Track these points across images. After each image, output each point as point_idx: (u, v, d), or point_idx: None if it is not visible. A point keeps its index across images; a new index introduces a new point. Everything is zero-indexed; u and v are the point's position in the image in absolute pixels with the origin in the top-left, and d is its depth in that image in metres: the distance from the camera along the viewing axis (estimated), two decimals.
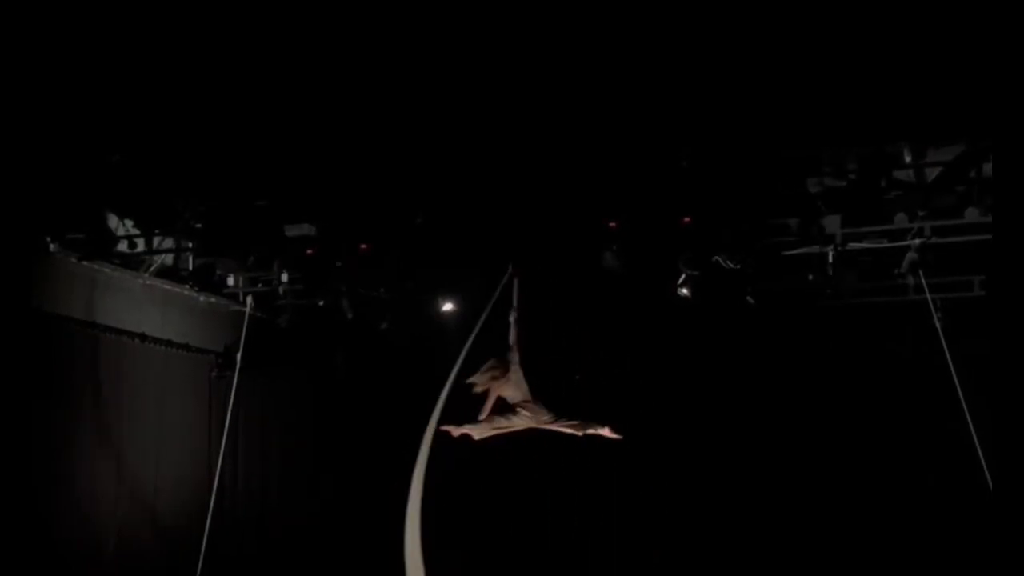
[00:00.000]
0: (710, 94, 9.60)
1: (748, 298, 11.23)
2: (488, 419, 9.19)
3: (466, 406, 9.30)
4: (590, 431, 9.38)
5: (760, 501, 12.09)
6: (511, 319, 9.52)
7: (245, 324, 12.12)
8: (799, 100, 9.63)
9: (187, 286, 12.26)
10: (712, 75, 9.39)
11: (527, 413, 9.33)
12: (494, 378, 9.22)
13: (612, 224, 10.72)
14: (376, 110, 9.87)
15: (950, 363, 10.47)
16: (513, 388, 9.33)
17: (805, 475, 11.92)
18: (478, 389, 9.25)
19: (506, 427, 9.28)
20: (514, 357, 9.37)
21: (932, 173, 10.57)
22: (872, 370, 11.86)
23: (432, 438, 9.53)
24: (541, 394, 9.36)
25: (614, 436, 9.33)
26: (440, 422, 9.39)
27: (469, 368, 9.28)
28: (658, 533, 12.47)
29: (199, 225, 11.67)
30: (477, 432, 9.22)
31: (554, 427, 9.40)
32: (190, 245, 12.08)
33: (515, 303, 9.60)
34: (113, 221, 11.54)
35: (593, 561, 12.65)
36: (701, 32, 8.97)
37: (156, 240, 11.93)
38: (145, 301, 12.18)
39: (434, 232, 11.26)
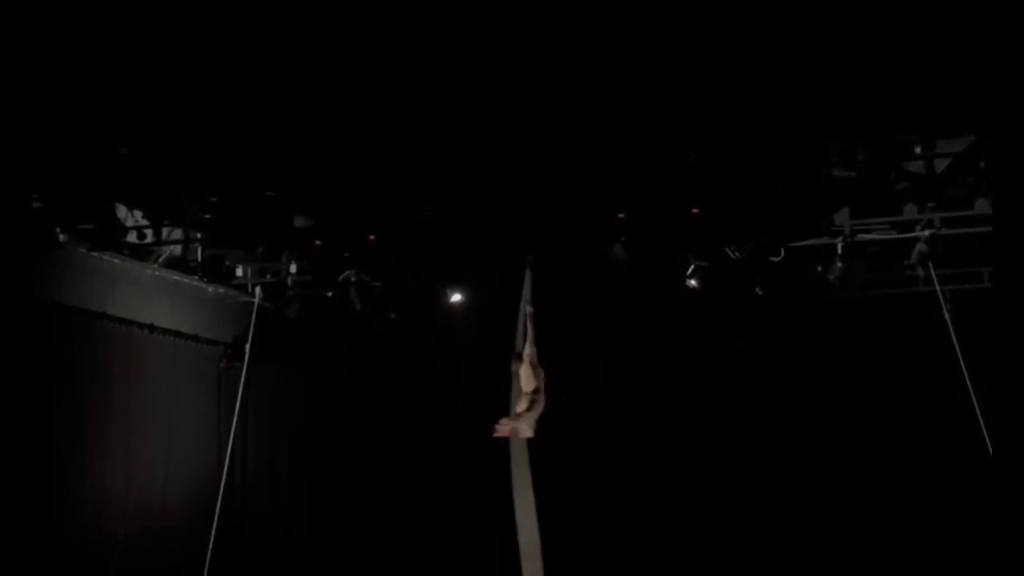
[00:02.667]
0: (719, 86, 9.57)
1: (757, 289, 11.22)
2: (521, 414, 9.23)
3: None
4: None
5: (765, 490, 12.09)
6: (526, 311, 9.51)
7: (254, 315, 12.13)
8: (808, 91, 9.60)
9: (196, 277, 12.27)
10: (722, 67, 9.37)
11: (541, 402, 9.36)
12: (516, 374, 9.30)
13: (621, 216, 10.71)
14: (386, 102, 9.86)
15: (959, 355, 10.45)
16: (526, 379, 9.36)
17: (812, 466, 11.93)
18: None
19: (534, 414, 9.33)
20: (528, 349, 9.38)
21: (942, 164, 10.53)
22: (880, 362, 11.86)
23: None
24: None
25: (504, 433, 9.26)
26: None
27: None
28: (666, 522, 12.47)
29: (208, 216, 11.68)
30: (524, 429, 9.28)
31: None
32: (199, 236, 12.09)
33: (528, 295, 9.60)
34: (122, 212, 11.54)
35: (603, 553, 12.66)
36: (711, 24, 8.94)
37: (165, 231, 11.92)
38: (154, 292, 12.19)
39: (442, 224, 11.26)
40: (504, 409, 9.28)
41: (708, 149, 10.30)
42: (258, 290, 12.24)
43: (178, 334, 12.54)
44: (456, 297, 11.91)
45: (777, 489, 12.03)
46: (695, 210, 10.57)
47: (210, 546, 11.28)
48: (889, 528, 11.63)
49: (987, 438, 10.24)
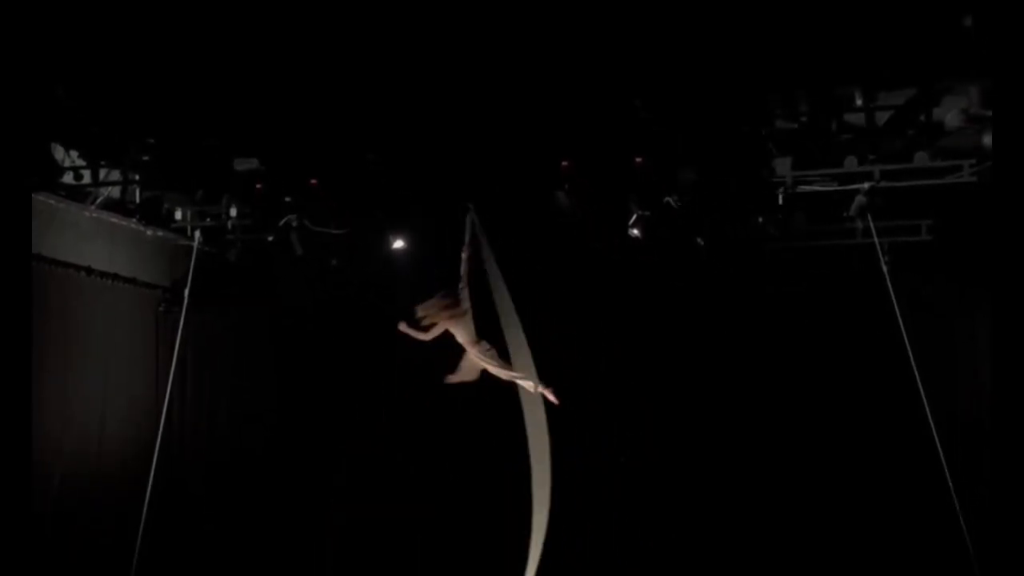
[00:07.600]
0: (664, 34, 9.57)
1: (698, 239, 11.27)
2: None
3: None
4: (529, 386, 9.43)
5: (704, 444, 12.17)
6: (463, 256, 9.50)
7: (193, 259, 12.03)
8: (751, 42, 9.62)
9: (134, 220, 12.13)
10: (666, 15, 9.36)
11: (473, 356, 9.38)
12: (444, 309, 9.26)
13: (565, 163, 10.69)
14: (327, 46, 9.77)
15: (895, 307, 10.60)
16: (462, 328, 9.36)
17: (752, 420, 12.01)
18: (426, 321, 9.28)
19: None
20: (464, 295, 9.38)
21: (883, 117, 10.62)
22: (819, 312, 11.96)
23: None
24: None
25: (552, 399, 9.39)
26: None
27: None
28: (600, 483, 12.49)
29: (146, 158, 11.53)
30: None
31: (496, 371, 9.42)
32: (137, 178, 11.94)
33: (467, 240, 9.58)
34: (59, 152, 11.36)
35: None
36: None
37: (103, 172, 11.77)
38: (91, 234, 12.03)
39: (385, 169, 11.20)
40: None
41: (650, 98, 10.30)
42: (197, 234, 12.13)
43: (116, 277, 12.39)
44: (398, 243, 11.86)
45: (721, 438, 12.09)
46: (638, 159, 10.59)
47: (148, 489, 11.25)
48: (831, 475, 11.72)
49: (920, 388, 10.42)
